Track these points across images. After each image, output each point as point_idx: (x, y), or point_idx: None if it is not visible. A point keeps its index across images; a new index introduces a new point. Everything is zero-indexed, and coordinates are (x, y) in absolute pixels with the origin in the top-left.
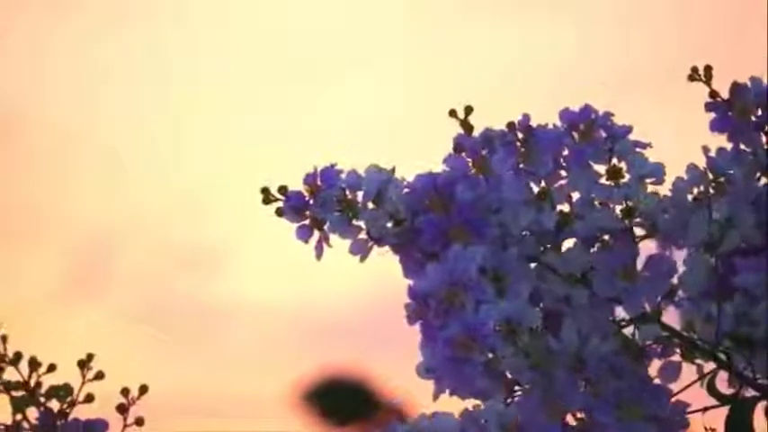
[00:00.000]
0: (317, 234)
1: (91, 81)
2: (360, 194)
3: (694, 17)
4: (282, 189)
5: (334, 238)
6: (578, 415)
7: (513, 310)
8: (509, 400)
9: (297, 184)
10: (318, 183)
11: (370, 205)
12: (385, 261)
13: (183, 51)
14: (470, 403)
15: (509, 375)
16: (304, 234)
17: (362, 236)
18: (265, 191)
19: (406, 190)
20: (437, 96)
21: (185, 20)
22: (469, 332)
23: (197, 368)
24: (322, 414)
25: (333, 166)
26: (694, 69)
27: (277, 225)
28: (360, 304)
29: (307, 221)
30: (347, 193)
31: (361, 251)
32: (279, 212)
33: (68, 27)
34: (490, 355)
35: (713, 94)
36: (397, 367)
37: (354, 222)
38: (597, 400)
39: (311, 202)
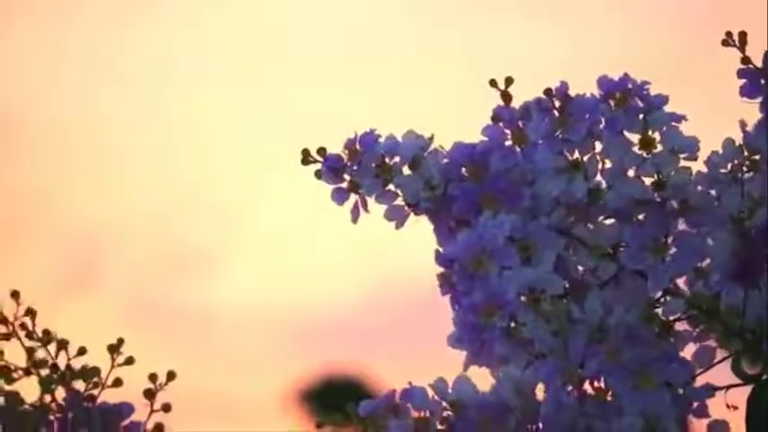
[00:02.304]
0: (353, 198)
1: (89, 81)
2: (397, 159)
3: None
4: (321, 151)
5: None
6: (596, 384)
7: (536, 276)
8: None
9: (294, 184)
10: (357, 147)
11: (406, 170)
12: (381, 262)
13: (184, 51)
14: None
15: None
16: (340, 197)
17: (399, 201)
18: (305, 152)
19: (445, 160)
20: (439, 96)
21: (186, 20)
22: (493, 298)
23: (194, 368)
24: (319, 414)
25: (372, 131)
26: (728, 34)
27: (273, 227)
28: (355, 305)
29: (344, 185)
30: (385, 158)
31: (397, 217)
32: (318, 174)
33: (67, 27)
34: (512, 324)
35: (745, 59)
36: (394, 367)
37: (390, 188)
38: (613, 366)
39: (349, 165)
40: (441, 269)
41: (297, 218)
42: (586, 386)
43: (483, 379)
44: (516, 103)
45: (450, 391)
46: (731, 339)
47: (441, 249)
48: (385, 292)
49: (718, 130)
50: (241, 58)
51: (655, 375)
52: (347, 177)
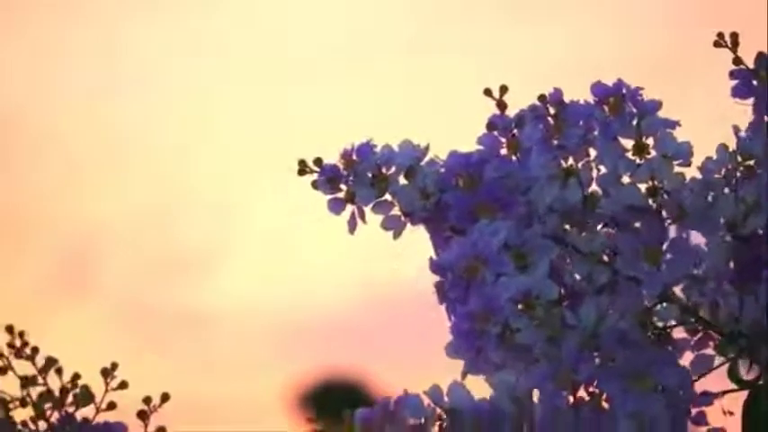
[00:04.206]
0: (349, 208)
1: (88, 81)
2: (393, 169)
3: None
4: (318, 161)
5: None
6: (591, 389)
7: (531, 283)
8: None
9: (287, 184)
10: (354, 157)
11: (402, 180)
12: (380, 262)
13: (183, 51)
14: None
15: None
16: (337, 207)
17: (395, 211)
18: (302, 162)
19: (442, 170)
20: (439, 97)
21: (186, 20)
22: (487, 305)
23: (192, 370)
24: (318, 415)
25: (368, 141)
26: (720, 35)
27: (270, 227)
28: (354, 306)
29: (340, 195)
30: (381, 167)
31: (394, 226)
32: (314, 185)
33: (66, 27)
34: (506, 330)
35: (737, 60)
36: (393, 369)
37: (387, 197)
38: (605, 370)
39: (345, 175)
40: (437, 278)
41: (295, 218)
42: (581, 392)
43: (478, 385)
44: (513, 106)
45: (445, 398)
46: (729, 346)
47: (435, 257)
48: (384, 293)
49: (715, 130)
50: (240, 58)
51: (647, 377)
52: (343, 188)
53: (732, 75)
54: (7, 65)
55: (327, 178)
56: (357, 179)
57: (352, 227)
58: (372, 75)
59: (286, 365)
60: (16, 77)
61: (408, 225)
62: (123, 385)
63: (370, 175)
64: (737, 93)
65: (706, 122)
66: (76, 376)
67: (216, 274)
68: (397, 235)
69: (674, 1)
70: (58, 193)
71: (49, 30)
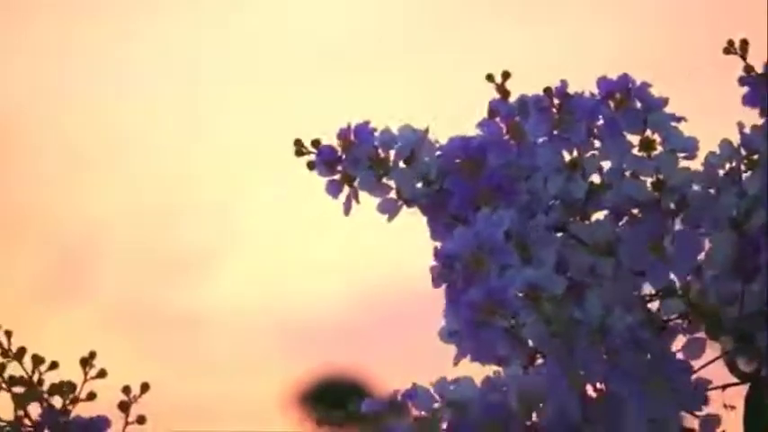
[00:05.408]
0: (346, 190)
1: (86, 82)
2: (392, 153)
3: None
4: (315, 142)
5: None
6: (598, 386)
7: (537, 276)
8: (529, 368)
9: (289, 184)
10: (351, 139)
11: (402, 164)
12: (377, 261)
13: (182, 51)
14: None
15: (530, 343)
16: (334, 189)
17: (392, 195)
18: (298, 142)
19: (438, 153)
20: (438, 96)
21: (185, 21)
22: (492, 297)
23: (192, 371)
24: (318, 415)
25: (367, 123)
26: (730, 42)
27: (268, 227)
28: (352, 305)
29: (337, 177)
30: (379, 150)
31: (389, 210)
32: (310, 166)
33: (66, 27)
34: (512, 321)
35: (748, 68)
36: (392, 368)
37: (384, 181)
38: (619, 372)
39: (343, 157)
40: (434, 263)
41: (292, 218)
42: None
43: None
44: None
45: (451, 390)
46: (722, 334)
47: (439, 246)
48: (382, 291)
49: (710, 131)
50: (238, 59)
51: (660, 381)
52: (340, 169)
53: (741, 82)
54: (7, 65)
55: (324, 160)
56: (355, 162)
57: (347, 208)
58: (372, 75)
59: (285, 365)
60: (16, 77)
61: (405, 210)
62: (102, 374)
63: (367, 158)
64: (748, 100)
65: (706, 122)
66: (54, 365)
67: (215, 274)
68: (391, 218)
69: (673, 1)
70: (58, 193)
71: (50, 29)
